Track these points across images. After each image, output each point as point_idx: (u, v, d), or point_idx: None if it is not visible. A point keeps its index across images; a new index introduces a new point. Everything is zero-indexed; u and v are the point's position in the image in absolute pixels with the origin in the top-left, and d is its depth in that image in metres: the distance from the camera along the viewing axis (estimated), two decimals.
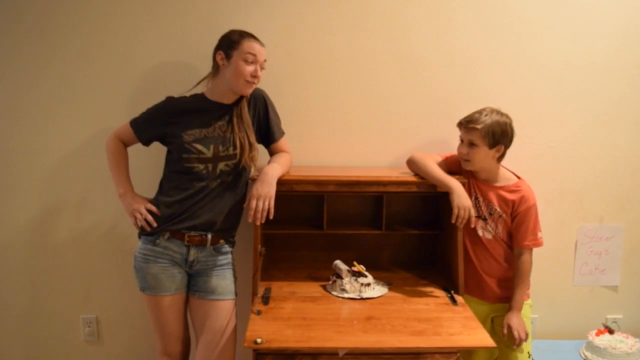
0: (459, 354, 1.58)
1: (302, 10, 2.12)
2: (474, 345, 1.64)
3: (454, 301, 1.81)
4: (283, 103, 2.02)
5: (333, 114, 2.19)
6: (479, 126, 1.82)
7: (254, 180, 1.79)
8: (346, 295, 1.84)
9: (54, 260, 2.24)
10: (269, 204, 1.72)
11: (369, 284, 1.87)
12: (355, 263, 1.94)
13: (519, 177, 1.95)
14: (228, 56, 1.77)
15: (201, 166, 1.79)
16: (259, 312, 1.69)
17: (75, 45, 2.10)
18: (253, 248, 1.85)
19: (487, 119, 1.83)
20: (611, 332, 2.12)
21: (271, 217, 1.73)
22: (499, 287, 1.95)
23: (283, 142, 1.97)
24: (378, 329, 1.60)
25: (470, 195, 1.91)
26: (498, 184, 1.93)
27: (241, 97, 1.85)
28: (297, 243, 2.16)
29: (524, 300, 1.94)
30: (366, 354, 1.56)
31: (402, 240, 2.19)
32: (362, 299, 1.83)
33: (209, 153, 1.79)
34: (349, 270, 1.90)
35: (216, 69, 1.83)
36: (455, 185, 1.82)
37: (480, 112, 1.87)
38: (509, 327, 1.86)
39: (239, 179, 1.86)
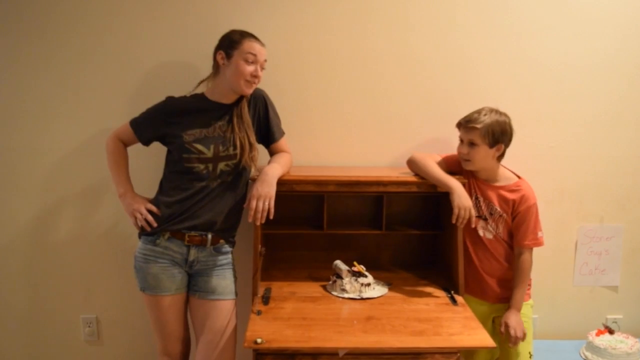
0: (459, 354, 1.58)
1: (302, 10, 2.12)
2: (474, 346, 1.64)
3: (454, 301, 1.81)
4: (283, 103, 2.02)
5: (333, 114, 2.19)
6: (478, 125, 1.82)
7: (254, 180, 1.79)
8: (346, 296, 1.84)
9: (54, 260, 2.24)
10: (269, 204, 1.72)
11: (369, 284, 1.87)
12: (355, 263, 1.94)
13: (519, 177, 1.95)
14: (229, 56, 1.77)
15: (201, 166, 1.79)
16: (259, 312, 1.69)
17: (75, 45, 2.10)
18: (253, 248, 1.85)
19: (487, 119, 1.83)
20: (611, 332, 2.12)
21: (271, 217, 1.73)
22: (499, 287, 1.95)
23: (283, 142, 1.97)
24: (378, 329, 1.60)
25: (470, 195, 1.91)
26: (498, 184, 1.93)
27: (241, 97, 1.85)
28: (297, 243, 2.16)
29: (525, 301, 1.94)
30: (366, 354, 1.56)
31: (402, 240, 2.19)
32: (362, 299, 1.83)
33: (209, 153, 1.79)
34: (349, 271, 1.90)
35: (216, 68, 1.83)
36: (455, 185, 1.82)
37: (479, 111, 1.87)
38: (507, 325, 1.86)
39: (239, 179, 1.86)
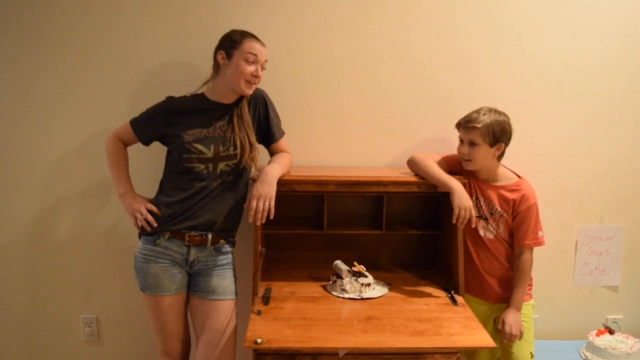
0: (459, 354, 1.58)
1: (302, 11, 2.12)
2: (474, 346, 1.64)
3: (454, 301, 1.81)
4: (283, 103, 2.02)
5: (333, 114, 2.19)
6: (479, 125, 1.83)
7: (254, 180, 1.79)
8: (346, 296, 1.84)
9: (54, 260, 2.24)
10: (269, 204, 1.72)
11: (369, 284, 1.87)
12: (355, 263, 1.94)
13: (519, 176, 1.95)
14: (229, 56, 1.77)
15: (201, 166, 1.79)
16: (259, 312, 1.69)
17: (75, 45, 2.10)
18: (253, 248, 1.85)
19: (486, 118, 1.84)
20: (611, 332, 2.12)
21: (271, 217, 1.73)
22: (500, 287, 1.95)
23: (283, 142, 1.97)
24: (378, 329, 1.60)
25: (471, 195, 1.91)
26: (499, 184, 1.93)
27: (241, 97, 1.85)
28: (297, 243, 2.16)
29: (526, 301, 1.94)
30: (366, 354, 1.56)
31: (402, 240, 2.19)
32: (362, 299, 1.83)
33: (209, 153, 1.79)
34: (349, 271, 1.90)
35: (217, 68, 1.83)
36: (455, 185, 1.82)
37: (478, 111, 1.87)
38: (503, 322, 1.86)
39: (240, 179, 1.86)
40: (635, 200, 2.31)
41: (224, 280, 1.84)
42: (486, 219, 1.93)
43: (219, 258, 1.85)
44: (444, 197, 1.90)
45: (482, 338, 1.56)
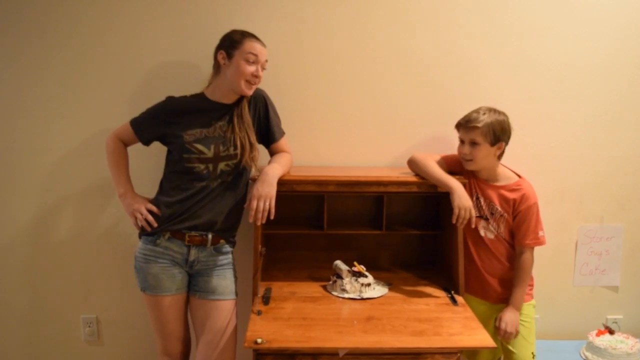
0: (459, 354, 1.58)
1: (303, 11, 2.12)
2: (474, 346, 1.64)
3: (454, 301, 1.81)
4: (284, 103, 2.02)
5: (334, 114, 2.19)
6: (480, 124, 1.83)
7: (254, 180, 1.79)
8: (346, 296, 1.84)
9: (54, 260, 2.24)
10: (269, 204, 1.72)
11: (369, 284, 1.87)
12: (355, 263, 1.94)
13: (519, 176, 1.95)
14: (229, 56, 1.77)
15: (202, 166, 1.79)
16: (259, 312, 1.69)
17: (75, 45, 2.10)
18: (253, 248, 1.85)
19: (487, 118, 1.84)
20: (611, 332, 2.12)
21: (272, 217, 1.73)
22: (501, 287, 1.95)
23: (283, 142, 1.97)
24: (378, 329, 1.60)
25: (471, 195, 1.91)
26: (499, 183, 1.93)
27: (242, 97, 1.85)
28: (298, 243, 2.16)
29: (528, 301, 1.94)
30: (366, 354, 1.56)
31: (402, 240, 2.19)
32: (362, 299, 1.82)
33: (209, 153, 1.79)
34: (349, 271, 1.90)
35: (217, 68, 1.83)
36: (455, 185, 1.82)
37: (477, 111, 1.88)
38: (500, 319, 1.86)
39: (240, 179, 1.86)
40: (635, 200, 2.31)
41: (224, 280, 1.84)
42: (487, 219, 1.93)
43: (219, 258, 1.85)
44: (444, 197, 1.90)
45: (482, 338, 1.56)
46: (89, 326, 2.30)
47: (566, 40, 2.18)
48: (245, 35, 1.79)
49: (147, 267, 1.80)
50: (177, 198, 1.80)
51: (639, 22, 2.18)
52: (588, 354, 2.10)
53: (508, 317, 1.86)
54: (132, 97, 2.12)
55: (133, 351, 2.32)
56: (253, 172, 1.89)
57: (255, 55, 1.77)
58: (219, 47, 1.81)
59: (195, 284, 1.85)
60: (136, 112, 1.88)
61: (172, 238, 1.80)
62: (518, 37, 2.16)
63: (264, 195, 1.71)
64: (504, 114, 1.89)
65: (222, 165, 1.80)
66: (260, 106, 1.90)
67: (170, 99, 1.87)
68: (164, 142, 1.87)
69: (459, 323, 1.65)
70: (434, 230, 2.13)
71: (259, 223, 1.73)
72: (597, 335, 2.11)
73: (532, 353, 1.94)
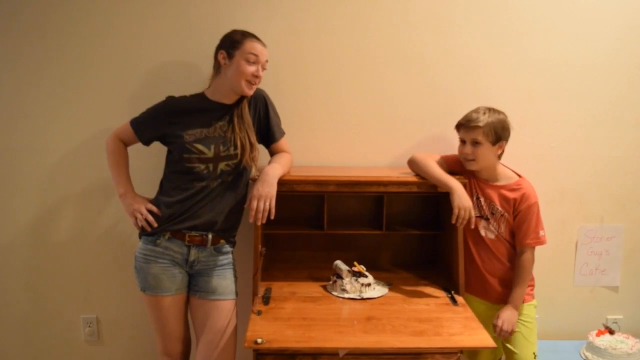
0: (459, 355, 1.58)
1: (303, 11, 2.12)
2: (474, 346, 1.64)
3: (454, 301, 1.81)
4: (284, 103, 2.02)
5: (334, 114, 2.19)
6: (481, 124, 1.83)
7: (254, 180, 1.79)
8: (346, 296, 1.84)
9: (54, 260, 2.24)
10: (269, 204, 1.72)
11: (369, 284, 1.87)
12: (355, 263, 1.94)
13: (519, 176, 1.95)
14: (230, 56, 1.77)
15: (202, 166, 1.79)
16: (259, 312, 1.69)
17: (75, 45, 2.10)
18: (253, 248, 1.85)
19: (487, 117, 1.85)
20: (611, 332, 2.12)
21: (272, 217, 1.73)
22: (502, 287, 1.95)
23: (283, 142, 1.97)
24: (378, 329, 1.60)
25: (471, 195, 1.91)
26: (499, 183, 1.93)
27: (242, 97, 1.85)
28: (298, 243, 2.16)
29: (529, 301, 1.94)
30: (366, 354, 1.56)
31: (402, 240, 2.19)
32: (362, 299, 1.82)
33: (209, 153, 1.79)
34: (349, 271, 1.90)
35: (218, 68, 1.83)
36: (455, 185, 1.82)
37: (477, 111, 1.88)
38: (497, 317, 1.87)
39: (240, 179, 1.86)
40: (635, 200, 2.31)
41: (224, 280, 1.84)
42: (487, 219, 1.93)
43: (219, 258, 1.85)
44: (444, 197, 1.90)
45: (482, 338, 1.56)
46: (89, 326, 2.29)
47: (566, 40, 2.18)
48: (245, 35, 1.79)
49: (147, 267, 1.80)
50: (177, 198, 1.79)
51: (639, 22, 2.18)
52: (588, 354, 2.10)
53: (506, 315, 1.86)
54: (132, 97, 2.12)
55: (133, 351, 2.32)
56: (253, 172, 1.89)
57: (256, 55, 1.77)
58: (220, 47, 1.81)
59: (196, 284, 1.85)
60: (136, 112, 1.88)
61: (172, 238, 1.80)
62: (518, 37, 2.16)
63: (264, 195, 1.71)
64: (503, 113, 1.89)
65: (222, 165, 1.80)
66: (261, 106, 1.90)
67: (170, 99, 1.87)
68: (164, 142, 1.87)
69: (459, 323, 1.65)
70: (434, 230, 2.13)
71: (259, 223, 1.73)
72: (597, 335, 2.11)
73: (534, 353, 1.94)
